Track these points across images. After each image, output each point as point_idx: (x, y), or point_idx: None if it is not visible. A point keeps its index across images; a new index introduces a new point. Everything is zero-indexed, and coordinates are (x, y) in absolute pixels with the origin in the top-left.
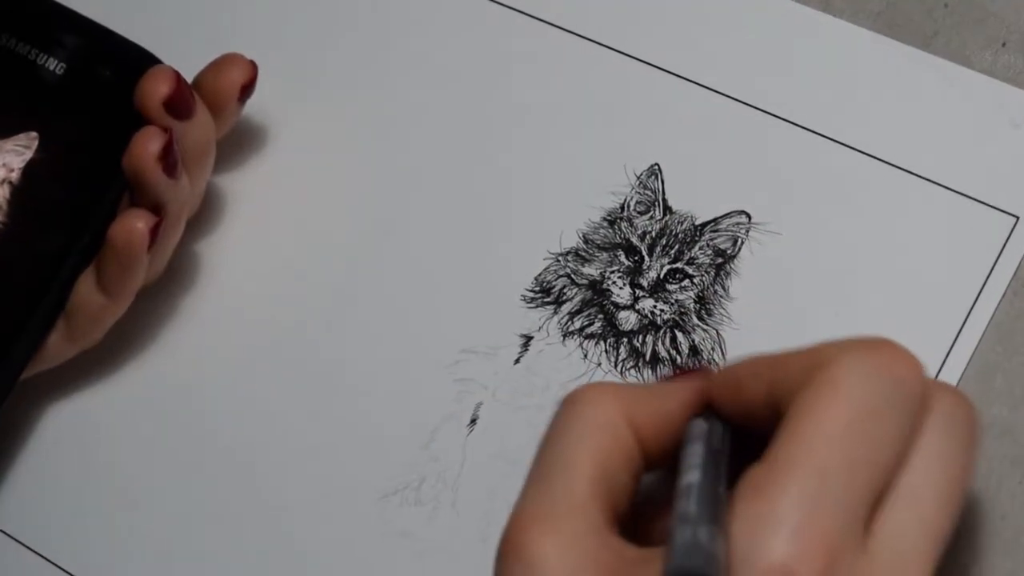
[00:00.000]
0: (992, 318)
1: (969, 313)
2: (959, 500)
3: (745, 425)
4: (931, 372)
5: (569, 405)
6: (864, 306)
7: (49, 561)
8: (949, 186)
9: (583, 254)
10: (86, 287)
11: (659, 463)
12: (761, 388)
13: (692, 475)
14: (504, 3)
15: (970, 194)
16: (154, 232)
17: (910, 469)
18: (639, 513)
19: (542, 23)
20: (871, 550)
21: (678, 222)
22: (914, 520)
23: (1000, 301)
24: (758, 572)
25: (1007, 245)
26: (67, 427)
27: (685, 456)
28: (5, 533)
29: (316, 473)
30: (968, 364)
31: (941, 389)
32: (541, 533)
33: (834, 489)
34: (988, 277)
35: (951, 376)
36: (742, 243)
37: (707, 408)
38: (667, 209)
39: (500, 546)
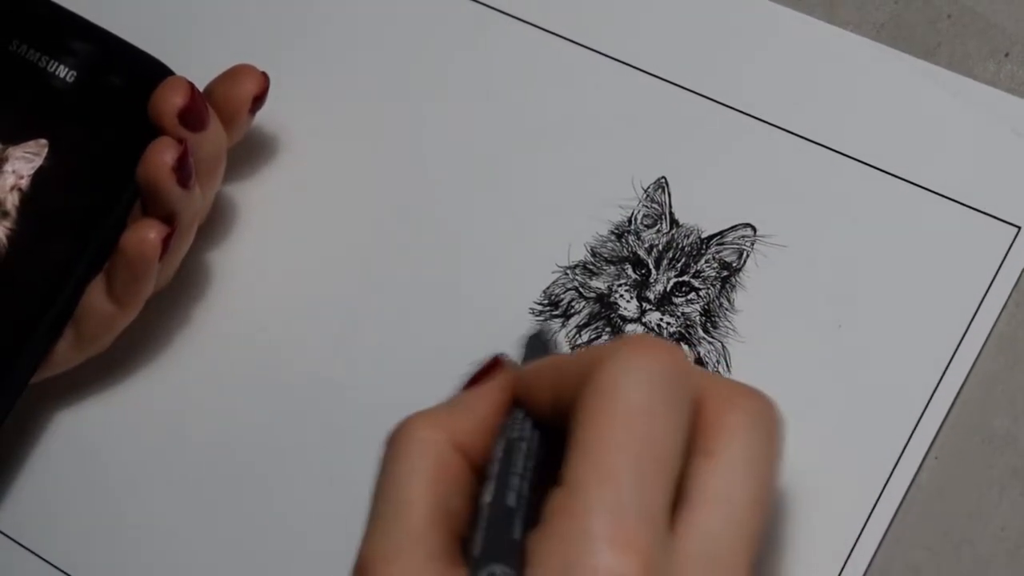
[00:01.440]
0: (993, 329)
1: (970, 323)
2: (768, 499)
3: (547, 423)
4: (932, 384)
5: (393, 443)
6: (867, 317)
7: (56, 567)
8: (951, 197)
9: (591, 267)
10: (95, 295)
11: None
12: (547, 394)
13: (488, 494)
14: (514, 15)
15: (972, 205)
16: (166, 242)
17: (717, 473)
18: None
19: (550, 35)
20: (685, 552)
21: (684, 235)
22: (726, 522)
23: (1001, 311)
24: None
25: (1008, 255)
26: (75, 433)
27: (489, 470)
28: (11, 538)
29: (323, 483)
30: (969, 375)
31: (741, 392)
32: (385, 567)
33: (631, 496)
34: (989, 288)
35: (951, 387)
36: (747, 256)
37: (514, 408)
38: (674, 222)
39: None
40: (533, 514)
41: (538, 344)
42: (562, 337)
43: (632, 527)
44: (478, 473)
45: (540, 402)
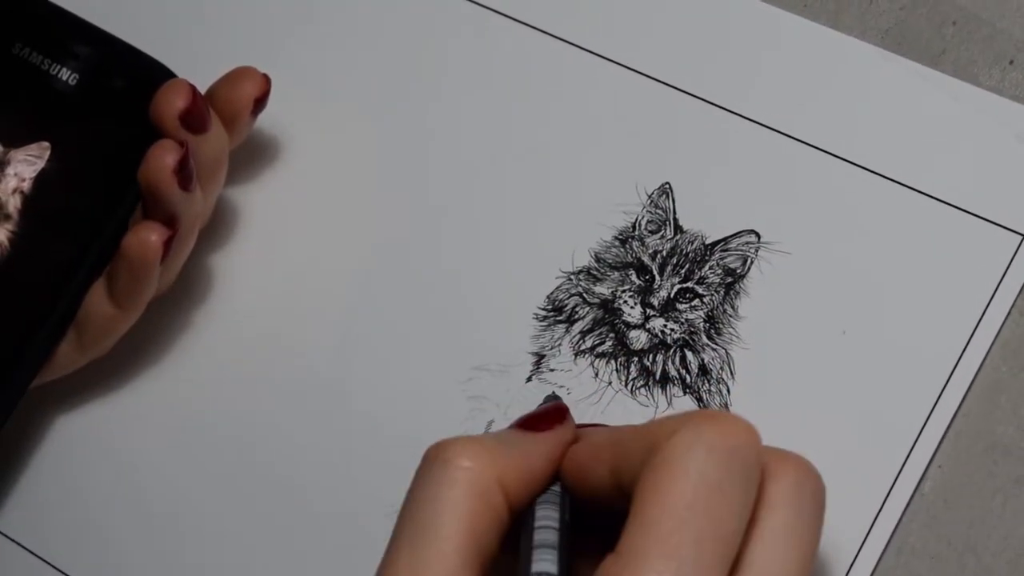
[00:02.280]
0: (997, 336)
1: (974, 331)
2: (810, 567)
3: (597, 503)
4: (935, 392)
5: (439, 464)
6: (871, 324)
7: (58, 570)
8: (956, 204)
9: (595, 273)
10: (97, 297)
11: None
12: (604, 471)
13: (538, 553)
14: (519, 19)
15: (977, 212)
16: (167, 245)
17: (760, 543)
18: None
19: (555, 39)
20: None
21: (688, 241)
22: None
23: (1005, 319)
24: None
25: (1013, 263)
26: (76, 436)
27: (529, 540)
28: (12, 539)
29: (326, 486)
30: (973, 383)
31: (787, 459)
32: None
33: (688, 571)
34: (993, 295)
35: (955, 395)
36: (752, 262)
37: (556, 482)
38: (678, 228)
39: None
40: None
41: None
42: (566, 343)
43: None
44: (514, 517)
45: (596, 475)
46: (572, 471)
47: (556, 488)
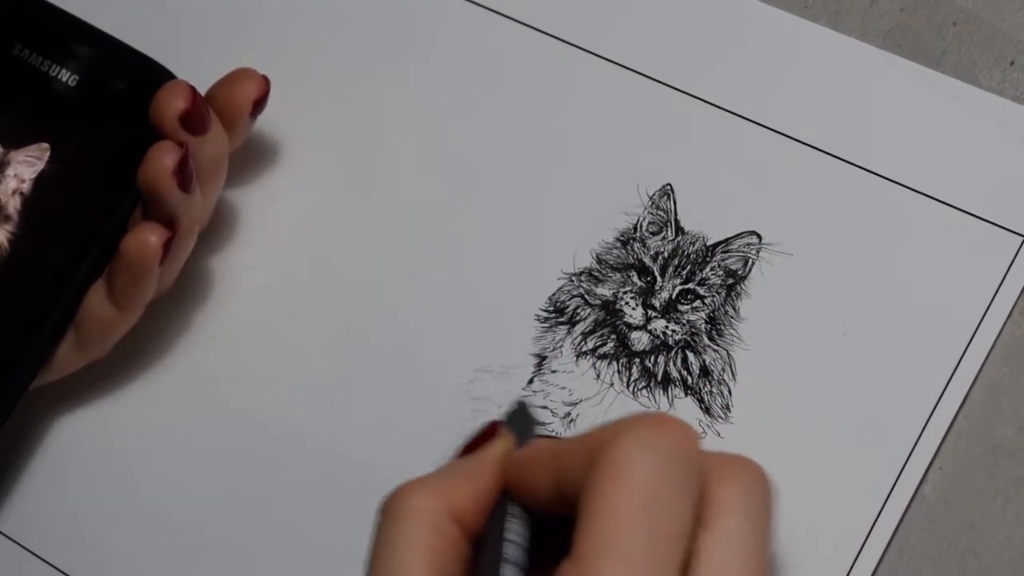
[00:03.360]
0: (998, 338)
1: (975, 333)
2: (765, 567)
3: (542, 511)
4: (936, 394)
5: (390, 513)
6: (872, 326)
7: (57, 569)
8: (957, 205)
9: (596, 274)
10: (96, 299)
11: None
12: (547, 478)
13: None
14: (520, 21)
15: (978, 213)
16: (166, 246)
17: (714, 543)
18: None
19: (556, 40)
20: None
21: (690, 243)
22: None
23: (1006, 321)
24: None
25: (1014, 265)
26: (75, 438)
27: (489, 553)
28: (12, 540)
29: (329, 487)
30: (974, 384)
31: (734, 462)
32: None
33: (642, 570)
34: (994, 297)
35: (956, 397)
36: (753, 264)
37: (504, 495)
38: (679, 230)
39: None
40: None
41: (521, 418)
42: (567, 345)
43: None
44: (473, 542)
45: (538, 486)
46: (514, 482)
47: (506, 504)
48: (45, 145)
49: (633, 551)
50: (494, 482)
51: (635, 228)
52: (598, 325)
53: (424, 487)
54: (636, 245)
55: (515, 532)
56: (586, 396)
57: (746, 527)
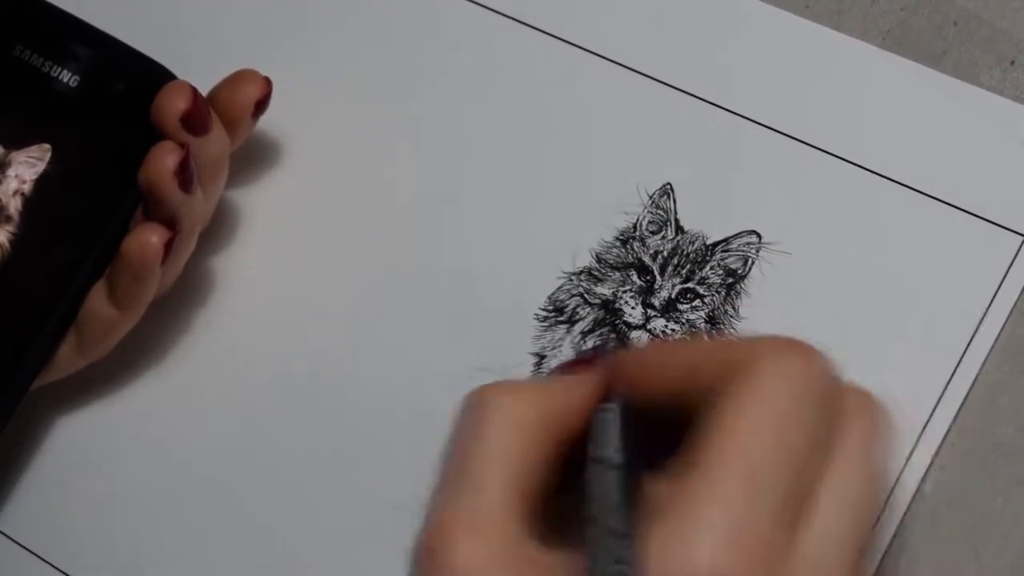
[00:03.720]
0: (998, 337)
1: (975, 332)
2: (879, 499)
3: (651, 409)
4: (936, 394)
5: (479, 408)
6: (872, 325)
7: (58, 569)
8: (957, 205)
9: (596, 273)
10: (97, 299)
11: (573, 455)
12: (677, 375)
13: (601, 484)
14: (520, 20)
15: (978, 213)
16: (168, 246)
17: (833, 472)
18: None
19: (556, 40)
20: (799, 552)
21: (689, 242)
22: (840, 522)
23: (1007, 320)
24: None
25: (1014, 264)
26: (76, 437)
27: (592, 460)
28: (13, 540)
29: (329, 487)
30: (974, 384)
31: (855, 392)
32: (463, 541)
33: (765, 493)
34: (995, 296)
35: (956, 396)
36: (752, 263)
37: (611, 397)
38: (679, 229)
39: (417, 552)
40: (634, 506)
41: None
42: (567, 344)
43: (758, 526)
44: (562, 455)
45: (662, 384)
46: (636, 372)
47: (606, 411)
48: (46, 146)
49: (759, 471)
50: (588, 400)
51: (635, 227)
52: (598, 324)
53: (518, 391)
54: (636, 244)
55: (616, 435)
56: None
57: (864, 456)
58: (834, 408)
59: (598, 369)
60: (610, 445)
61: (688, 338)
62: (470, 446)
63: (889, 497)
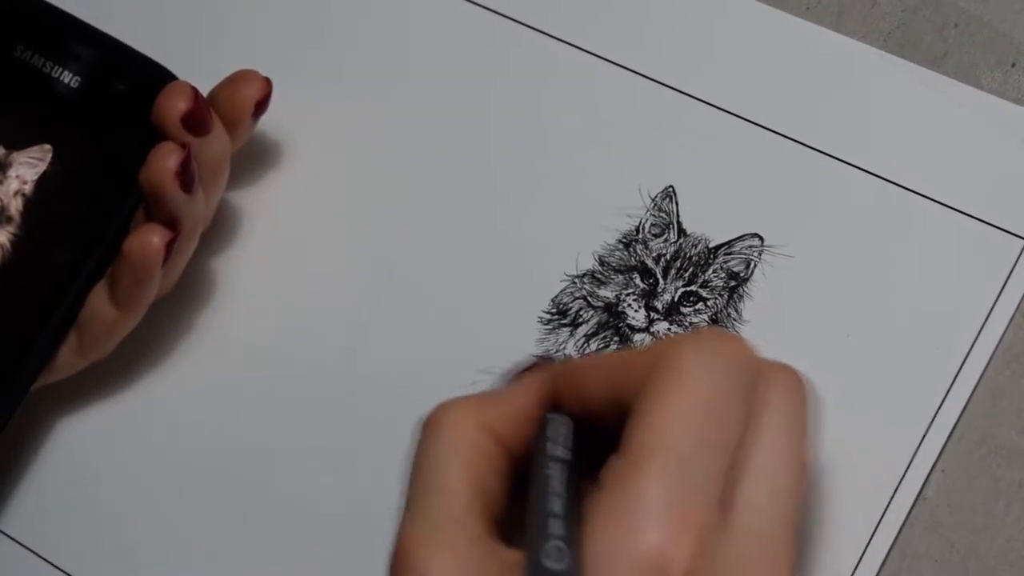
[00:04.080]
0: (1001, 341)
1: (978, 335)
2: (805, 468)
3: (588, 418)
4: (938, 396)
5: (428, 427)
6: (874, 328)
7: (60, 569)
8: (959, 208)
9: (599, 276)
10: (98, 300)
11: (525, 459)
12: (603, 385)
13: (535, 489)
14: (522, 22)
15: (980, 216)
16: (169, 247)
17: (758, 445)
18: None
19: (558, 42)
20: (733, 525)
21: (692, 245)
22: (770, 492)
23: (1009, 323)
24: (634, 560)
25: (1016, 268)
26: (77, 438)
27: (536, 456)
28: (14, 540)
29: (331, 488)
30: (976, 387)
31: (775, 367)
32: (426, 550)
33: (691, 471)
34: (997, 299)
35: (959, 399)
36: (755, 266)
37: (552, 405)
38: (681, 232)
39: (389, 570)
40: (576, 503)
41: None
42: (570, 347)
43: (689, 504)
44: (513, 460)
45: (592, 394)
46: (565, 388)
47: (555, 416)
48: (47, 146)
49: (682, 449)
50: (533, 405)
51: (637, 230)
52: (601, 327)
53: (464, 404)
54: (638, 247)
55: (563, 436)
56: None
57: (784, 424)
58: (752, 384)
59: (540, 377)
60: (556, 443)
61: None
62: (425, 464)
63: (891, 499)
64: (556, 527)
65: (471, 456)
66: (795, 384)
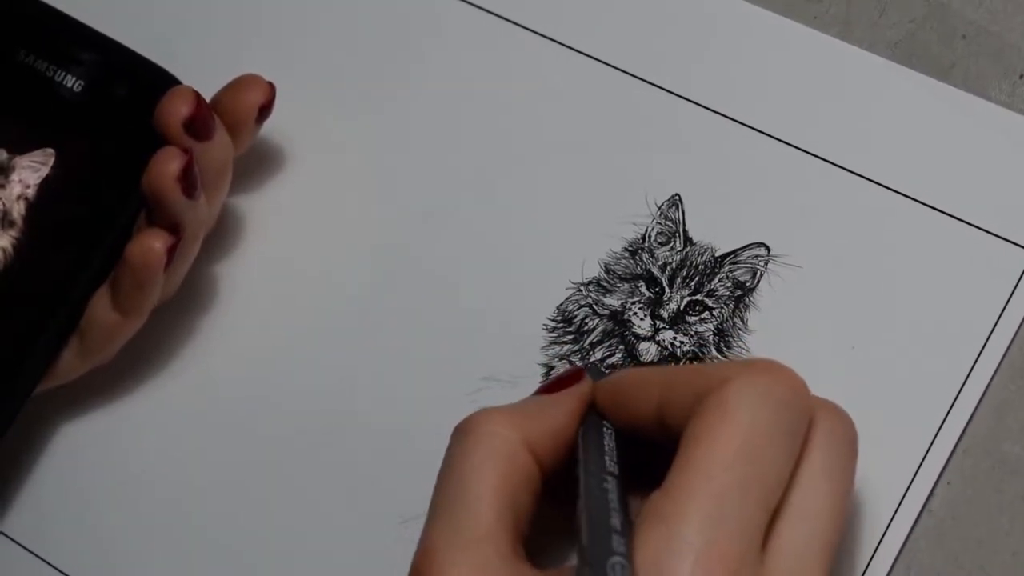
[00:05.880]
0: (1006, 354)
1: (983, 348)
2: (845, 512)
3: (633, 432)
4: (944, 409)
5: (464, 435)
6: (880, 339)
7: (61, 572)
8: (966, 219)
9: (605, 284)
10: (100, 305)
11: (556, 475)
12: (650, 404)
13: (592, 502)
14: (528, 27)
15: (987, 228)
16: (171, 252)
17: (799, 486)
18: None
19: (565, 48)
20: (769, 567)
21: (698, 253)
22: (807, 536)
23: (1015, 336)
24: None
25: (1022, 279)
26: (79, 442)
27: (591, 469)
28: (17, 543)
29: (335, 496)
30: (981, 400)
31: (822, 406)
32: (451, 564)
33: (731, 512)
34: (1003, 312)
35: (964, 412)
36: (761, 276)
37: (595, 415)
38: (687, 240)
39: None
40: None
41: (596, 375)
42: (576, 356)
43: (725, 542)
44: (544, 476)
45: (639, 411)
46: (615, 399)
47: (601, 422)
48: (50, 151)
49: (725, 493)
50: (571, 421)
51: (643, 238)
52: (606, 335)
53: (503, 415)
54: (644, 255)
55: (613, 449)
56: None
57: (826, 467)
58: (801, 424)
59: (577, 391)
60: (612, 458)
61: (664, 363)
62: (458, 472)
63: (896, 512)
64: (619, 544)
65: (507, 469)
66: (842, 426)
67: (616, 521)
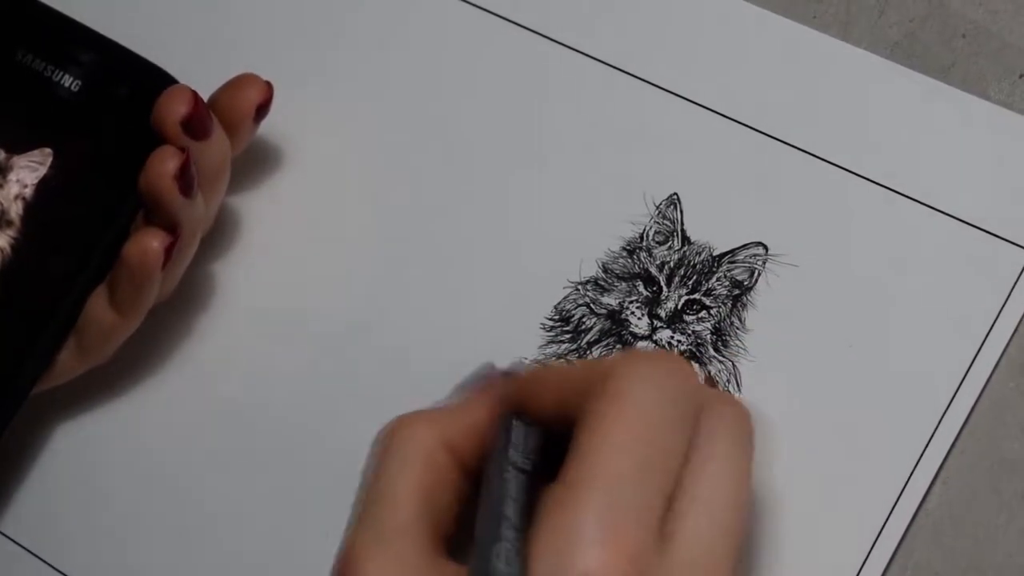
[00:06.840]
0: (1004, 352)
1: (981, 347)
2: (746, 500)
3: (548, 427)
4: (941, 408)
5: (385, 439)
6: (878, 338)
7: (60, 572)
8: (964, 219)
9: (602, 283)
10: (98, 304)
11: (474, 474)
12: (549, 398)
13: (491, 491)
14: (526, 27)
15: (985, 227)
16: (168, 251)
17: (696, 474)
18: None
19: (563, 47)
20: (672, 554)
21: (696, 253)
22: (709, 523)
23: (1013, 335)
24: None
25: (1020, 279)
26: (77, 442)
27: (494, 459)
28: (15, 542)
29: (332, 494)
30: (979, 399)
31: (721, 398)
32: (369, 558)
33: (627, 498)
34: (1001, 311)
35: (961, 411)
36: (759, 275)
37: (507, 411)
38: (685, 239)
39: (331, 574)
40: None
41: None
42: (573, 355)
43: (623, 528)
44: (466, 474)
45: (542, 405)
46: (518, 395)
47: (519, 424)
48: (48, 150)
49: (618, 476)
50: (487, 418)
51: (641, 237)
52: (604, 335)
53: (419, 417)
54: (642, 254)
55: (524, 444)
56: None
57: (726, 457)
58: (691, 407)
59: (494, 392)
60: (517, 450)
61: (568, 361)
62: (378, 477)
63: (892, 511)
64: (509, 532)
65: (425, 470)
66: (741, 417)
67: (510, 510)
